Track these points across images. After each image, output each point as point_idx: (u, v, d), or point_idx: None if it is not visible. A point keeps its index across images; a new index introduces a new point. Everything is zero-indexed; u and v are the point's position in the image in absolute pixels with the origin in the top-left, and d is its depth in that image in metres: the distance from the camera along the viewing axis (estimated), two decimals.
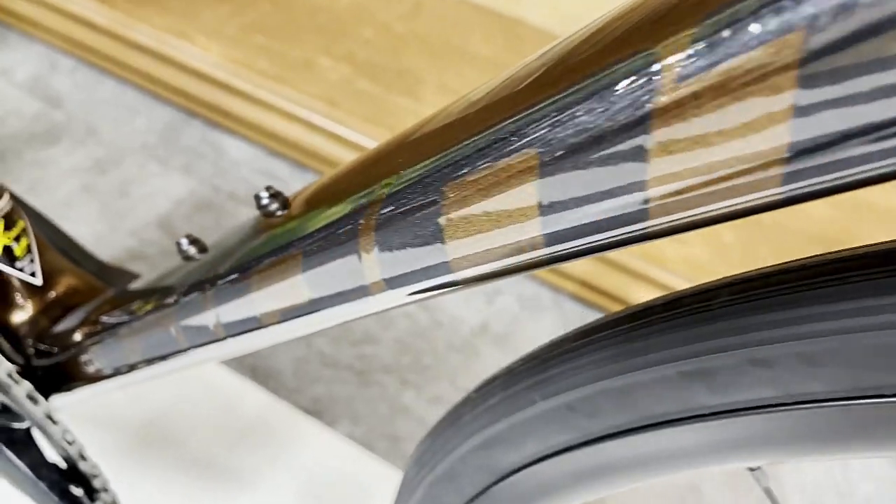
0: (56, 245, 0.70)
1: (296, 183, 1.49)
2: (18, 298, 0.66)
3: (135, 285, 0.61)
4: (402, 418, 1.18)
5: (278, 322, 0.41)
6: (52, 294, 0.67)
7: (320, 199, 0.37)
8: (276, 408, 1.17)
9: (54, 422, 0.59)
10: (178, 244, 0.48)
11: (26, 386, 0.59)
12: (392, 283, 0.32)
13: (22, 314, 0.66)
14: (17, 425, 0.64)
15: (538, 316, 1.31)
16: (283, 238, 0.38)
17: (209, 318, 0.45)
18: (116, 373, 0.59)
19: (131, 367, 0.58)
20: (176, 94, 1.55)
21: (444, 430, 0.45)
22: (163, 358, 0.54)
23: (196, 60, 1.50)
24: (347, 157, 1.45)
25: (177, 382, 1.17)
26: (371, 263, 0.32)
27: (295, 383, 1.21)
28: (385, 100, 1.54)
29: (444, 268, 0.30)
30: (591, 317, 1.31)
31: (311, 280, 0.36)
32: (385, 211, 0.31)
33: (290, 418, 1.16)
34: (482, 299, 1.33)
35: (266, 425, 1.16)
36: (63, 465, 0.65)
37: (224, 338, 0.44)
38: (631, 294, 1.27)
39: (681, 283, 1.24)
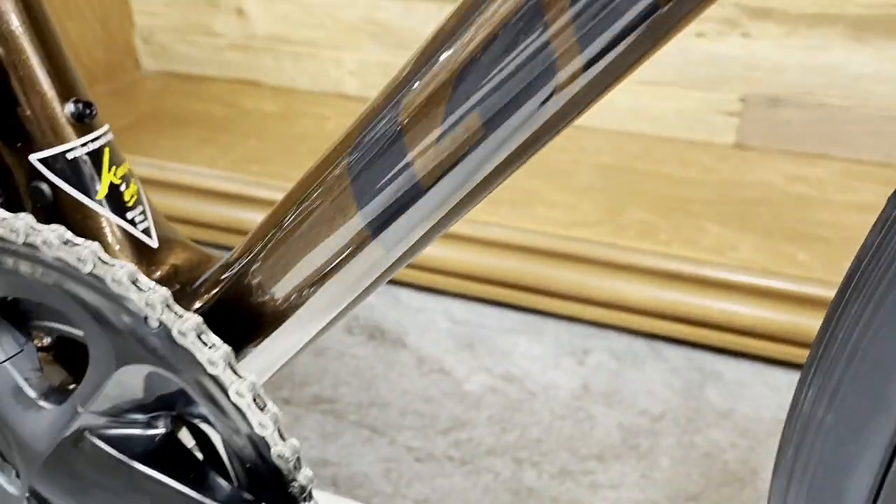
0: None
1: None
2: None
3: None
4: (532, 502, 0.93)
5: None
6: (168, 265, 0.46)
7: None
8: None
9: (262, 406, 0.36)
10: None
11: (195, 321, 0.36)
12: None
13: None
14: (147, 432, 0.40)
15: (639, 366, 1.11)
16: None
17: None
18: (301, 298, 0.38)
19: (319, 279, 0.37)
20: (185, 223, 1.37)
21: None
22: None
23: (198, 179, 1.34)
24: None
25: None
26: None
27: (389, 487, 0.95)
28: None
29: None
30: (696, 358, 1.12)
31: None
32: None
33: None
34: (572, 360, 1.12)
35: None
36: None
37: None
38: (734, 318, 1.10)
39: (787, 286, 1.08)
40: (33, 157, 0.42)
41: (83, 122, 0.42)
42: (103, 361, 0.38)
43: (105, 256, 0.36)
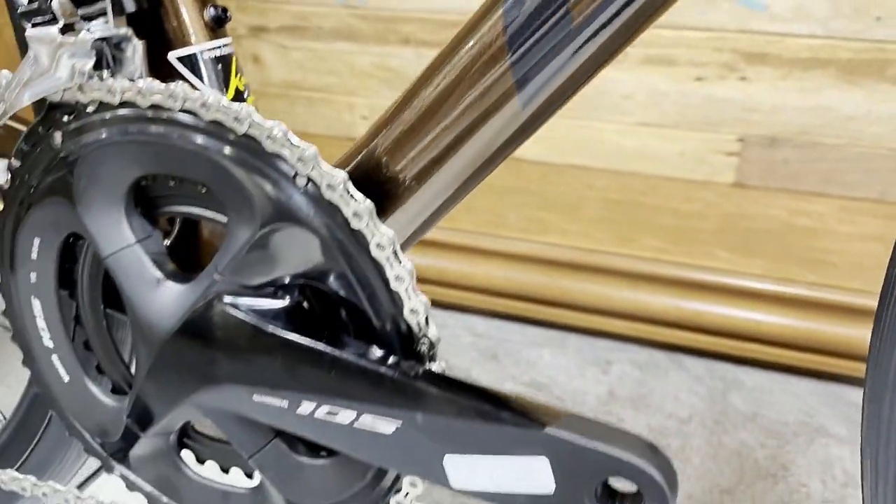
0: None
1: None
2: None
3: None
4: None
5: None
6: None
7: None
8: None
9: (399, 260, 0.39)
10: None
11: (343, 176, 0.39)
12: None
13: None
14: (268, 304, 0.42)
15: (662, 375, 1.13)
16: None
17: None
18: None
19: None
20: None
21: None
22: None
23: None
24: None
25: None
26: None
27: None
28: None
29: None
30: (717, 368, 1.15)
31: None
32: None
33: None
34: (596, 370, 1.14)
35: None
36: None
37: None
38: (754, 327, 1.13)
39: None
40: (171, 56, 0.45)
41: (220, 26, 0.46)
42: (245, 225, 0.40)
43: (259, 117, 0.39)
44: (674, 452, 0.99)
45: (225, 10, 0.46)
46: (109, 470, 0.53)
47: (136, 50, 0.41)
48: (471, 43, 0.38)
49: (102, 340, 0.51)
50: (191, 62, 0.45)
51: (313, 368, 0.40)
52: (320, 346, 0.40)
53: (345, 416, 0.40)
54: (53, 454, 0.64)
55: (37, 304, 0.49)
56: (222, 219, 0.44)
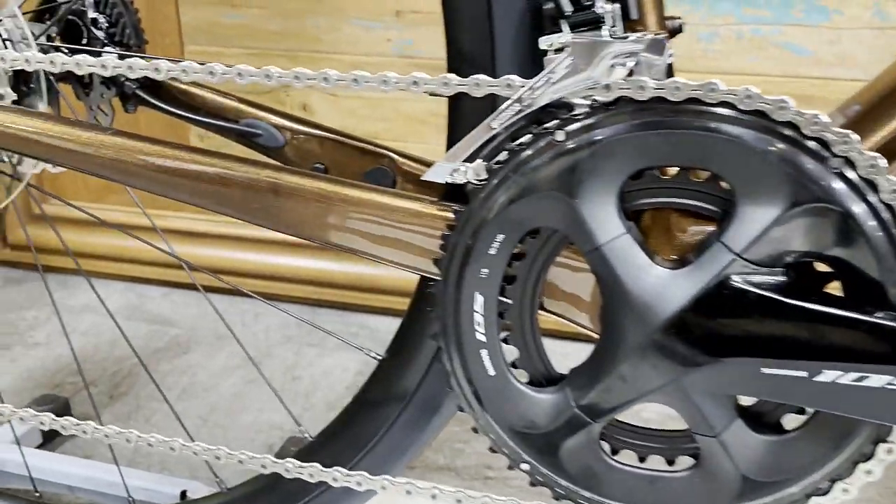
0: None
1: None
2: None
3: None
4: None
5: None
6: None
7: None
8: None
9: None
10: None
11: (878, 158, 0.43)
12: None
13: None
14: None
15: None
16: None
17: None
18: None
19: None
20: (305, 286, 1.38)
21: None
22: None
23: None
24: None
25: None
26: None
27: None
28: None
29: None
30: None
31: None
32: None
33: None
34: None
35: None
36: None
37: None
38: None
39: None
40: None
41: (675, 35, 0.49)
42: (765, 207, 0.43)
43: (796, 106, 0.42)
44: None
45: (681, 22, 0.49)
46: (514, 465, 0.54)
47: (666, 50, 0.44)
48: None
49: (525, 337, 0.52)
50: None
51: (844, 336, 0.43)
52: (849, 313, 0.43)
53: (878, 379, 0.42)
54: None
55: (479, 299, 0.50)
56: (704, 208, 0.46)
